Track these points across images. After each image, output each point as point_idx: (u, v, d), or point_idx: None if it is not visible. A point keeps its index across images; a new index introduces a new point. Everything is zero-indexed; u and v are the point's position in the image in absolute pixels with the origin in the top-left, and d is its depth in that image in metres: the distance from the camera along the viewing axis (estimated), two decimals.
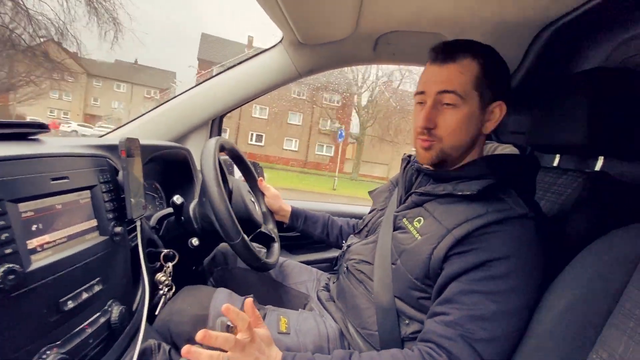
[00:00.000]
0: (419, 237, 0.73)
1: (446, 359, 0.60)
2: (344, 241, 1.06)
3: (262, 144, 17.55)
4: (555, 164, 1.08)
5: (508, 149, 0.85)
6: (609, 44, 0.94)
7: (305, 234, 1.18)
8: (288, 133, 17.98)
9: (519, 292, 0.62)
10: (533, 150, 1.11)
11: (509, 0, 0.87)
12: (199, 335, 0.54)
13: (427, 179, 0.82)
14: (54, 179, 0.53)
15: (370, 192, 1.08)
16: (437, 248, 0.68)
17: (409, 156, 0.94)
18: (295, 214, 1.17)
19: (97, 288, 0.59)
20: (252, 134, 17.40)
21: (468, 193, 0.68)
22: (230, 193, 0.96)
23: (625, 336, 0.50)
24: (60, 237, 0.53)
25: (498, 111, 0.74)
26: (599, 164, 0.93)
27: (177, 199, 0.89)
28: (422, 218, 0.75)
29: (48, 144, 0.60)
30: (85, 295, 0.56)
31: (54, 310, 0.51)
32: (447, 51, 0.74)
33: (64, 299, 0.52)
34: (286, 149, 18.03)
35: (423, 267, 0.70)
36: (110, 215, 0.65)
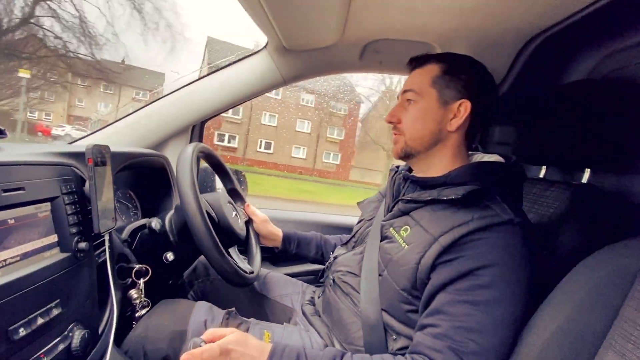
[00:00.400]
0: (406, 247, 0.72)
1: None
2: (331, 253, 1.02)
3: (270, 151, 17.41)
4: (542, 175, 1.08)
5: (494, 159, 0.85)
6: (594, 57, 0.94)
7: (299, 257, 1.13)
8: (296, 141, 17.97)
9: (506, 300, 0.61)
10: (518, 160, 1.11)
11: (497, 11, 0.86)
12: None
13: (414, 187, 0.82)
14: (5, 190, 0.48)
15: (358, 203, 1.06)
16: (424, 257, 0.67)
17: (397, 166, 0.94)
18: (287, 238, 1.12)
19: (55, 312, 0.53)
20: (261, 142, 17.27)
21: (453, 197, 0.68)
22: (211, 204, 0.91)
23: (624, 359, 0.48)
24: (13, 256, 0.48)
25: (463, 109, 0.76)
26: (585, 176, 0.93)
27: (156, 224, 0.84)
28: (408, 227, 0.75)
29: (4, 152, 0.54)
30: (40, 321, 0.50)
31: (3, 339, 0.45)
32: (416, 60, 0.83)
33: (15, 326, 0.46)
34: (295, 157, 17.97)
35: (410, 277, 0.69)
36: (74, 230, 0.59)
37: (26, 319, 0.48)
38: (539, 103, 0.97)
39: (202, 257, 1.05)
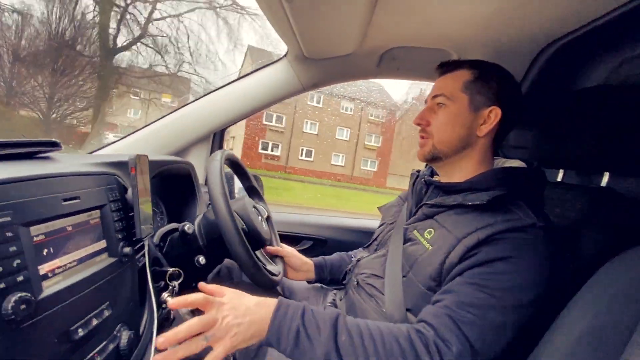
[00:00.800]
0: (430, 248, 0.74)
1: (433, 334, 0.62)
2: (353, 256, 1.04)
3: (311, 159, 17.49)
4: (559, 179, 1.09)
5: (516, 164, 0.87)
6: (610, 63, 0.96)
7: (333, 282, 1.12)
8: (336, 148, 18.06)
9: (515, 291, 0.63)
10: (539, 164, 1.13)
11: (513, 19, 0.88)
12: (160, 341, 0.57)
13: (437, 192, 0.84)
14: (65, 200, 0.51)
15: (379, 208, 1.08)
16: (448, 257, 0.69)
17: (418, 171, 0.96)
18: (319, 267, 1.10)
19: (106, 313, 0.56)
20: (302, 149, 17.42)
21: (478, 203, 0.70)
22: (239, 209, 0.94)
23: None
24: (71, 261, 0.51)
25: (493, 116, 0.78)
26: (604, 180, 0.94)
27: (189, 228, 0.87)
28: (432, 229, 0.77)
29: (57, 163, 0.58)
30: (95, 322, 0.53)
31: (65, 339, 0.48)
32: (447, 65, 0.84)
33: (75, 326, 0.49)
34: (334, 164, 18.06)
35: (435, 277, 0.71)
36: (120, 236, 0.62)
37: (83, 320, 0.51)
38: (557, 107, 0.99)
39: (226, 261, 1.07)
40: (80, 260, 0.53)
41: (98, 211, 0.59)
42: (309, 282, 1.11)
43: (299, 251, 1.33)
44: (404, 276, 0.78)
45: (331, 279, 1.12)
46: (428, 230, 0.77)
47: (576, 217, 0.83)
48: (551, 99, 1.03)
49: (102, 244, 0.59)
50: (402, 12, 0.89)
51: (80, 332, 0.50)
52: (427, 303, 0.72)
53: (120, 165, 0.70)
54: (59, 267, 0.48)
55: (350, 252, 1.17)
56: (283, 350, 0.62)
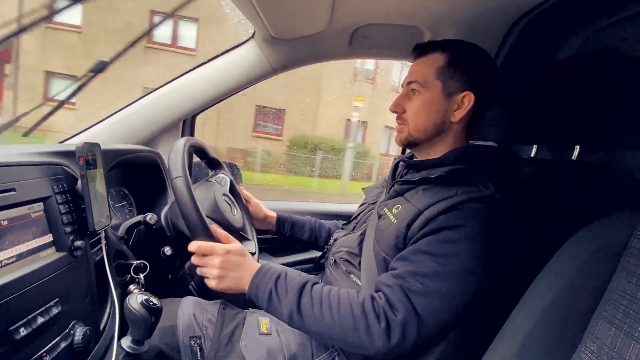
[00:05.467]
0: (395, 221, 0.76)
1: (384, 302, 0.67)
2: (330, 237, 1.06)
3: None
4: (532, 155, 1.09)
5: (489, 144, 0.87)
6: (582, 35, 0.94)
7: (293, 240, 1.17)
8: None
9: (463, 257, 0.66)
10: (510, 141, 1.12)
11: None
12: (192, 246, 0.74)
13: (410, 171, 0.86)
14: None
15: (364, 189, 1.09)
16: (410, 229, 0.72)
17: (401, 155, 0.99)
18: (281, 220, 1.16)
19: (55, 310, 0.53)
20: None
21: (438, 174, 0.73)
22: (207, 196, 0.91)
23: (614, 327, 0.50)
24: (8, 257, 0.48)
25: (466, 101, 0.77)
26: (575, 154, 0.94)
27: (150, 218, 0.85)
28: (400, 205, 0.79)
29: None
30: (40, 320, 0.50)
31: (3, 339, 0.45)
32: (420, 48, 0.82)
33: (15, 326, 0.46)
34: None
35: (401, 247, 0.73)
36: (69, 229, 0.59)
37: (26, 319, 0.48)
38: (528, 83, 0.97)
39: None
40: (21, 256, 0.50)
41: (41, 204, 0.55)
42: (273, 233, 1.18)
43: (277, 238, 1.32)
44: (374, 250, 0.80)
45: (291, 235, 1.16)
46: (396, 206, 0.79)
47: (547, 190, 0.83)
48: (524, 74, 1.01)
49: (48, 238, 0.56)
50: None
51: (23, 332, 0.47)
52: None
53: (69, 154, 0.66)
54: None
55: (328, 222, 1.19)
56: (260, 305, 0.73)
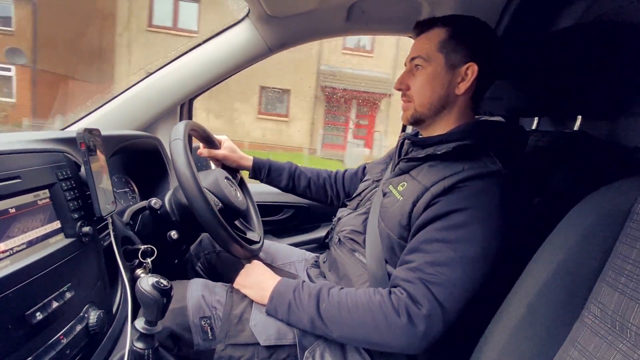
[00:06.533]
0: (400, 198, 0.77)
1: (406, 297, 0.67)
2: (309, 193, 1.12)
3: None
4: (534, 127, 1.08)
5: (496, 120, 0.87)
6: (583, 2, 0.92)
7: (270, 185, 1.15)
8: None
9: (476, 241, 0.66)
10: (512, 114, 1.11)
11: None
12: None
13: (415, 148, 0.85)
14: (2, 180, 0.47)
15: (367, 164, 1.09)
16: (416, 206, 0.72)
17: (407, 133, 0.98)
18: (258, 164, 1.12)
19: (68, 295, 0.54)
20: None
21: (445, 151, 0.72)
22: (210, 181, 0.91)
23: (617, 292, 0.51)
24: (18, 245, 0.48)
25: (470, 72, 0.77)
26: (577, 124, 0.93)
27: (155, 203, 0.84)
28: (405, 182, 0.79)
29: None
30: (55, 304, 0.51)
31: (21, 324, 0.46)
32: (422, 25, 0.82)
33: (31, 311, 0.47)
34: None
35: (405, 225, 0.74)
36: (76, 215, 0.59)
37: (41, 304, 0.49)
38: (528, 54, 0.96)
39: None
40: (31, 243, 0.50)
41: (47, 191, 0.55)
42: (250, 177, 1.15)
43: (281, 220, 1.33)
44: (379, 227, 0.81)
45: (267, 181, 1.14)
46: (402, 183, 0.79)
47: (550, 162, 0.83)
48: (524, 45, 0.99)
49: (56, 224, 0.56)
50: None
51: (39, 316, 0.48)
52: (401, 252, 0.75)
53: (70, 141, 0.66)
54: (3, 252, 0.45)
55: (308, 170, 1.17)
56: (281, 319, 0.75)
